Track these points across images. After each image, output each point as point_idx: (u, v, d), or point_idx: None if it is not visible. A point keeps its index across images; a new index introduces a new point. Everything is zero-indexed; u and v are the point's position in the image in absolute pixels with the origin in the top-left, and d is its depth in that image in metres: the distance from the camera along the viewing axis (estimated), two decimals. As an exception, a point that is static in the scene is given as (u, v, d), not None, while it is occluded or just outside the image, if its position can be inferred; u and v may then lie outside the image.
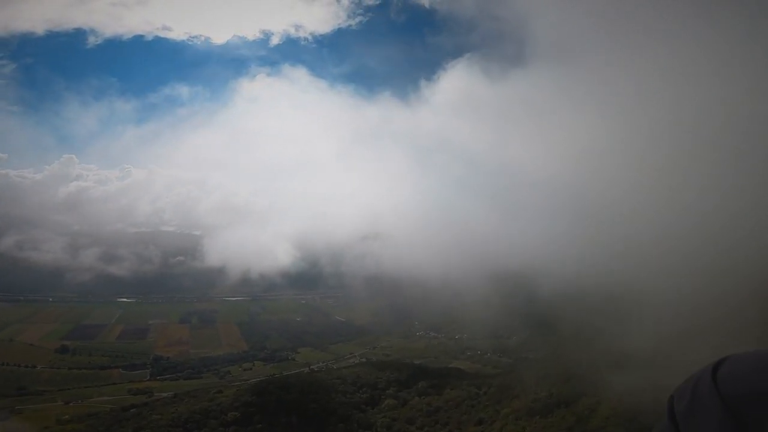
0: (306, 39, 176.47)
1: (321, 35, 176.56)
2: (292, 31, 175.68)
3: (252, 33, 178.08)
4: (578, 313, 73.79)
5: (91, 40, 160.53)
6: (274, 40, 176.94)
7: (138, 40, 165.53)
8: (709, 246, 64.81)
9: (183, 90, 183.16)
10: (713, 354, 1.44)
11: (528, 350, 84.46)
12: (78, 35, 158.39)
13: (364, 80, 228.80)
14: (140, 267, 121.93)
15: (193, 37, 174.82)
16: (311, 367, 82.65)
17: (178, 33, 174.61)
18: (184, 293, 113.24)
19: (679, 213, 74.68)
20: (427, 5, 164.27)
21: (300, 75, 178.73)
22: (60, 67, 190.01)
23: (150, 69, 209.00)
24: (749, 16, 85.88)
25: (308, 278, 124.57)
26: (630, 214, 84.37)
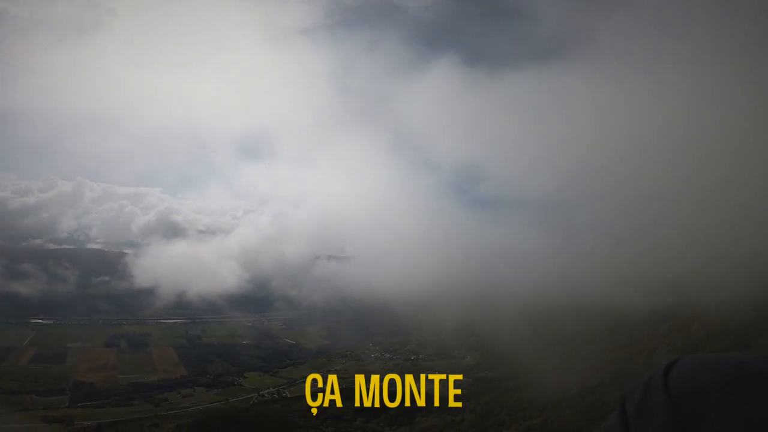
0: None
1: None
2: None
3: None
4: (540, 331, 74.82)
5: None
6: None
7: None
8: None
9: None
10: None
11: (484, 369, 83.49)
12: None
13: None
14: (57, 286, 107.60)
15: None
16: (261, 393, 75.43)
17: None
18: (110, 315, 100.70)
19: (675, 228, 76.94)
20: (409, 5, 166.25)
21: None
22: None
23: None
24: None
25: (255, 300, 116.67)
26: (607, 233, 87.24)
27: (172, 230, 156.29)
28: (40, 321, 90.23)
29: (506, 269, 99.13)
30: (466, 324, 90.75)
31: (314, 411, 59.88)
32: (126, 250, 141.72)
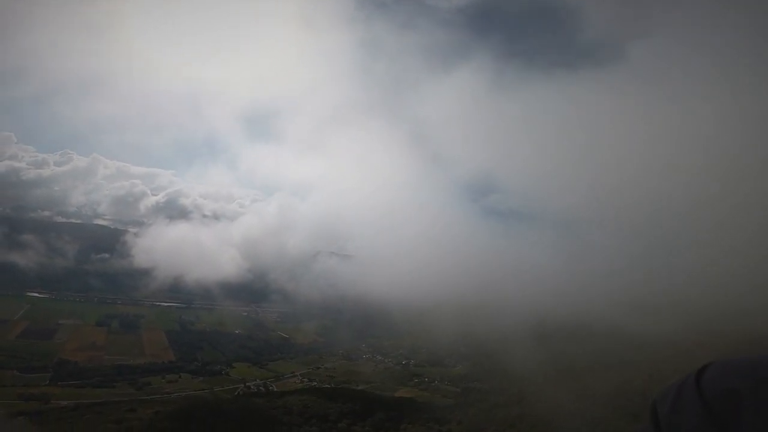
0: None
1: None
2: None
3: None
4: (537, 347, 72.79)
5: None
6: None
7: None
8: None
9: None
10: None
11: (473, 380, 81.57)
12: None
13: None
14: (58, 260, 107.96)
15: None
16: (247, 384, 74.30)
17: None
18: (105, 294, 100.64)
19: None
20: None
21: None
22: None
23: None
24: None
25: (252, 290, 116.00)
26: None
27: (178, 212, 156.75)
28: (36, 295, 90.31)
29: (510, 283, 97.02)
30: (462, 334, 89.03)
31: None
32: (131, 229, 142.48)
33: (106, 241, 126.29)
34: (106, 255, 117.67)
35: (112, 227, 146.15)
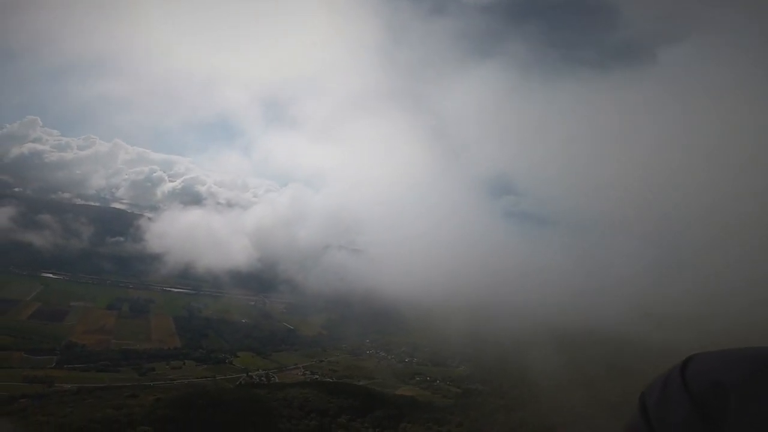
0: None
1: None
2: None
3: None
4: (542, 352, 71.54)
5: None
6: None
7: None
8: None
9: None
10: None
11: (475, 382, 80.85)
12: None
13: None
14: (74, 242, 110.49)
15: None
16: (250, 374, 75.07)
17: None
18: (118, 277, 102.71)
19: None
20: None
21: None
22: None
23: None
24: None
25: (261, 280, 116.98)
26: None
27: (193, 199, 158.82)
28: (50, 275, 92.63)
29: (521, 286, 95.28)
30: (467, 334, 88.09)
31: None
32: (147, 214, 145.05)
33: (122, 224, 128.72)
34: (121, 238, 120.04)
35: (128, 211, 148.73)
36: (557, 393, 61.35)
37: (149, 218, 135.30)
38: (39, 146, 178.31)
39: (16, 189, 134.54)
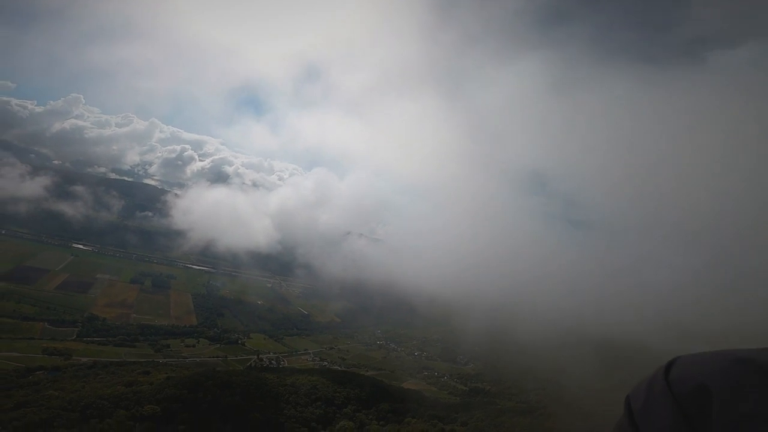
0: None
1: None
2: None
3: None
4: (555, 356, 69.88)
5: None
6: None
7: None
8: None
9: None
10: None
11: (483, 381, 79.97)
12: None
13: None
14: (105, 215, 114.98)
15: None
16: (261, 356, 76.72)
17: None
18: (144, 251, 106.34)
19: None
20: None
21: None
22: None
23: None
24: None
25: (280, 262, 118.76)
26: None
27: (220, 178, 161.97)
28: (80, 246, 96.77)
29: (541, 287, 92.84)
30: (482, 333, 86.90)
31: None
32: (176, 191, 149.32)
33: (151, 199, 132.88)
34: (149, 213, 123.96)
35: (159, 187, 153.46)
36: (570, 400, 59.78)
37: (176, 194, 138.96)
38: (80, 122, 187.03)
39: (55, 161, 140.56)
